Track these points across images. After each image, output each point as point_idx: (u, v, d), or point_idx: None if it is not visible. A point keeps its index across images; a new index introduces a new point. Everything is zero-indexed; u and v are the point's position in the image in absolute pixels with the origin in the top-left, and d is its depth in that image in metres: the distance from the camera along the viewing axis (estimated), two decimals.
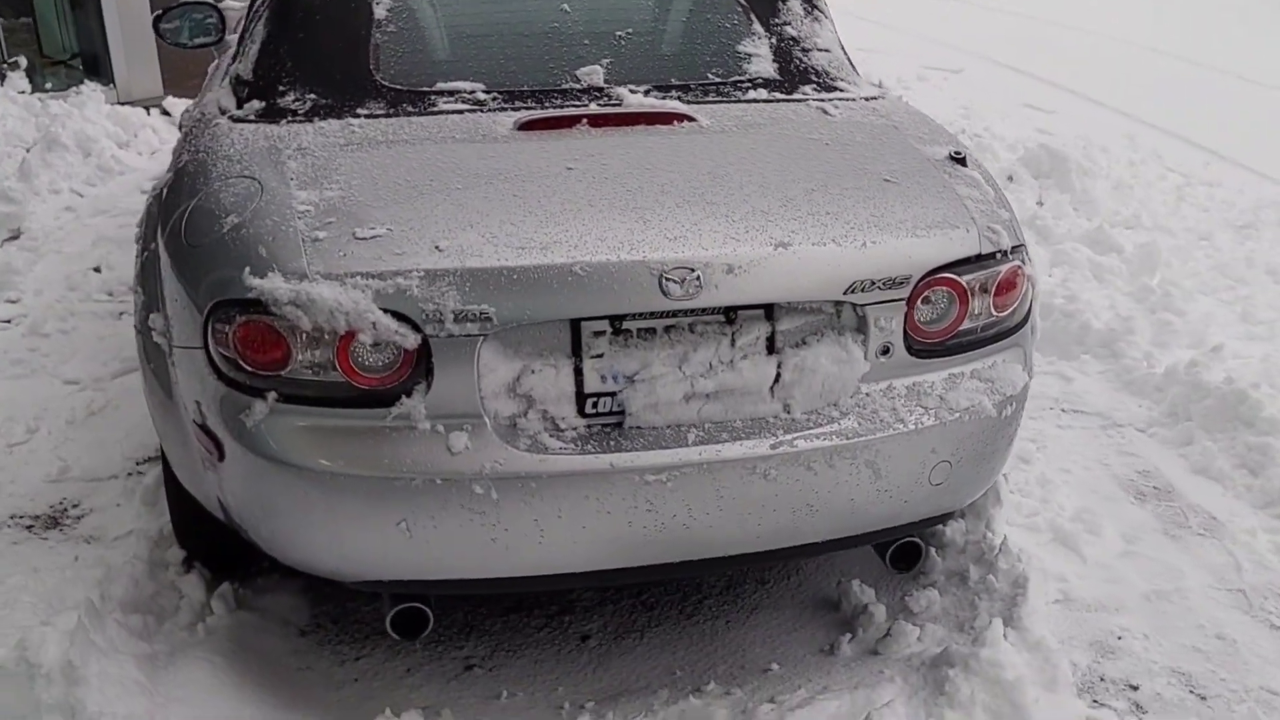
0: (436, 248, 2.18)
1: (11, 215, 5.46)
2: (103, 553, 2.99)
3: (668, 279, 2.18)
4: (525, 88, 2.86)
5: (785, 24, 3.11)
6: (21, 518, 3.21)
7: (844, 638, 2.70)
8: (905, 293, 2.32)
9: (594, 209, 2.30)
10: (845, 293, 2.28)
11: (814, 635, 2.76)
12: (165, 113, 7.42)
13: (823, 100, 2.95)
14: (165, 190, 2.69)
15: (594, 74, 2.88)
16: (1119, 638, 2.77)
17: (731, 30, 3.09)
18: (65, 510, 3.25)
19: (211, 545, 2.75)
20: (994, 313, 2.45)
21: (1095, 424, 3.85)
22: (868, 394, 2.35)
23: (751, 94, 2.93)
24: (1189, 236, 5.66)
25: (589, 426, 2.25)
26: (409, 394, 2.18)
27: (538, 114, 2.68)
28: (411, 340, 2.13)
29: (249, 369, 2.20)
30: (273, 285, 2.13)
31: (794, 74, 3.02)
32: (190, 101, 4.24)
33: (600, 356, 2.24)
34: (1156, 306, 4.61)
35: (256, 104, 2.83)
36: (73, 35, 8.33)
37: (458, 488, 2.15)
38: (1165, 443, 3.71)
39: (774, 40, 3.07)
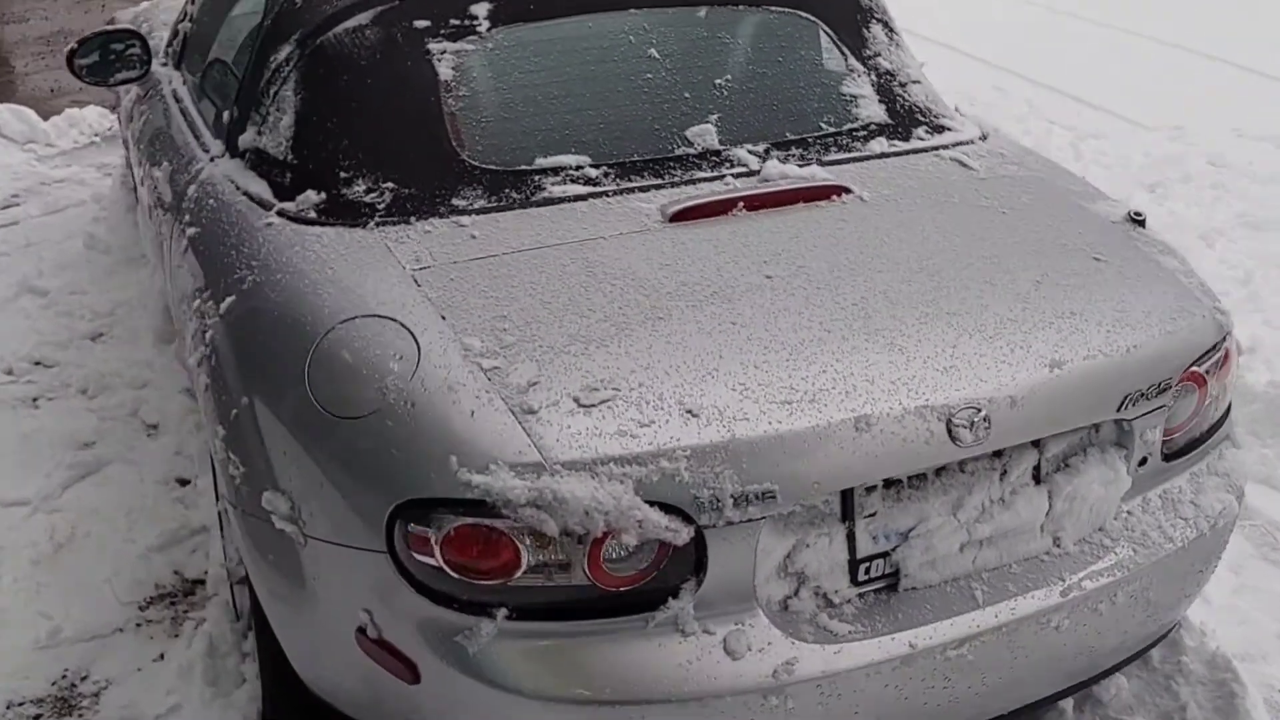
0: (689, 412, 1.79)
1: None
2: None
3: (956, 424, 1.86)
4: (636, 157, 2.44)
5: (876, 55, 2.79)
6: (22, 704, 2.61)
7: None
8: (1168, 398, 2.09)
9: (833, 335, 1.95)
10: (1118, 409, 2.03)
11: None
12: None
13: (946, 147, 2.66)
14: (236, 325, 2.16)
15: (706, 134, 2.50)
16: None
17: (828, 68, 2.75)
18: (74, 686, 2.66)
19: None
20: (1219, 397, 2.25)
21: None
22: (1129, 513, 2.12)
23: (873, 144, 2.61)
24: None
25: (861, 596, 1.93)
26: (675, 594, 1.79)
27: (685, 201, 2.28)
28: (684, 535, 1.74)
29: (465, 580, 1.76)
30: (503, 484, 1.69)
31: (902, 115, 2.71)
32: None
33: (873, 516, 1.91)
34: None
35: (313, 196, 2.31)
36: None
37: (745, 701, 1.79)
38: None
39: (872, 76, 2.75)
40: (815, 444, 1.79)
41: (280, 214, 2.32)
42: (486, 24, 2.49)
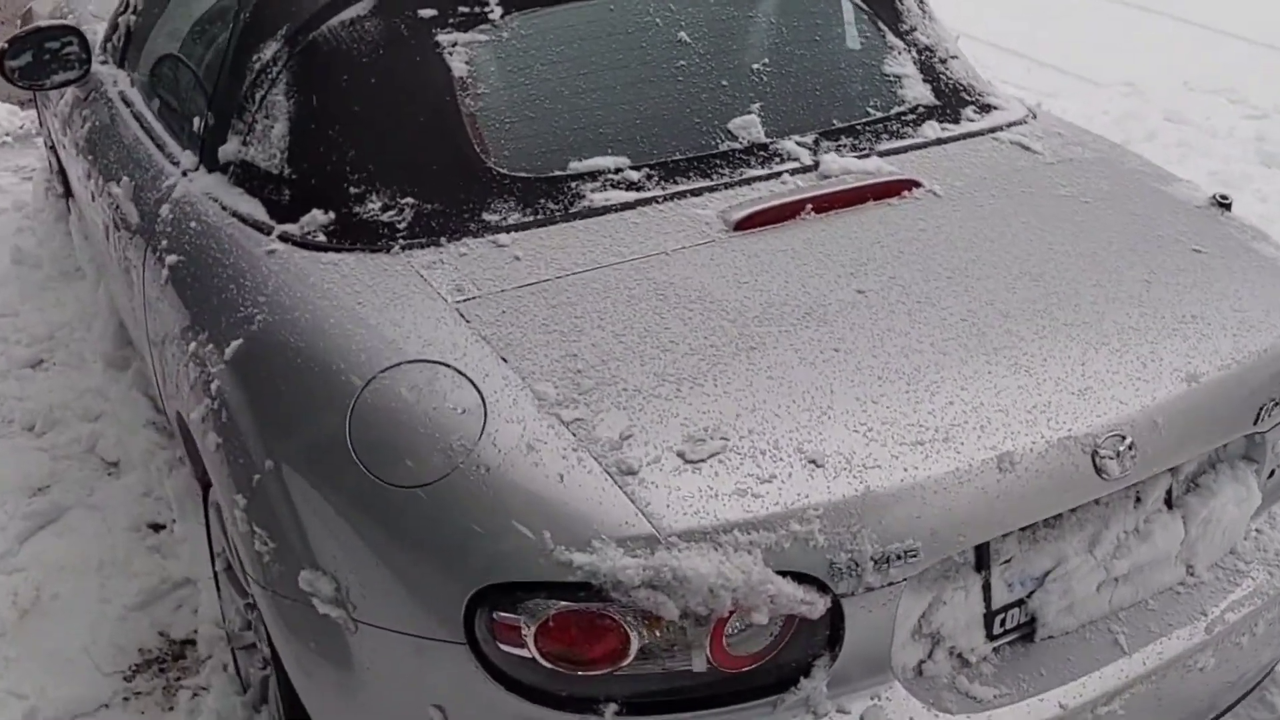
0: (812, 461, 1.54)
1: None
2: None
3: (1103, 455, 1.65)
4: (678, 155, 2.18)
5: (913, 30, 2.56)
6: None
7: None
8: None
9: (950, 359, 1.72)
10: (1255, 421, 1.83)
11: None
12: None
13: (1002, 129, 2.44)
14: (250, 375, 1.86)
15: (751, 126, 2.25)
16: None
17: (867, 46, 2.51)
18: None
19: None
20: None
21: None
22: (1259, 531, 1.94)
23: (925, 129, 2.39)
24: None
25: (997, 650, 1.72)
26: (807, 672, 1.56)
27: (748, 206, 2.03)
28: (820, 606, 1.51)
29: (563, 671, 1.51)
30: (613, 563, 1.44)
31: (948, 94, 2.49)
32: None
33: (1009, 562, 1.70)
34: None
35: (320, 216, 2.02)
36: None
37: None
38: None
39: (912, 53, 2.52)
40: (957, 490, 1.56)
41: (284, 238, 2.02)
42: (499, 10, 2.20)
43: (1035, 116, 2.55)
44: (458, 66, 2.14)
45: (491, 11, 2.20)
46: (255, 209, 2.13)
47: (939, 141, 2.35)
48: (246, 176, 2.19)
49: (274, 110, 2.15)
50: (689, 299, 1.81)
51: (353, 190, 2.03)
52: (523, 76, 2.19)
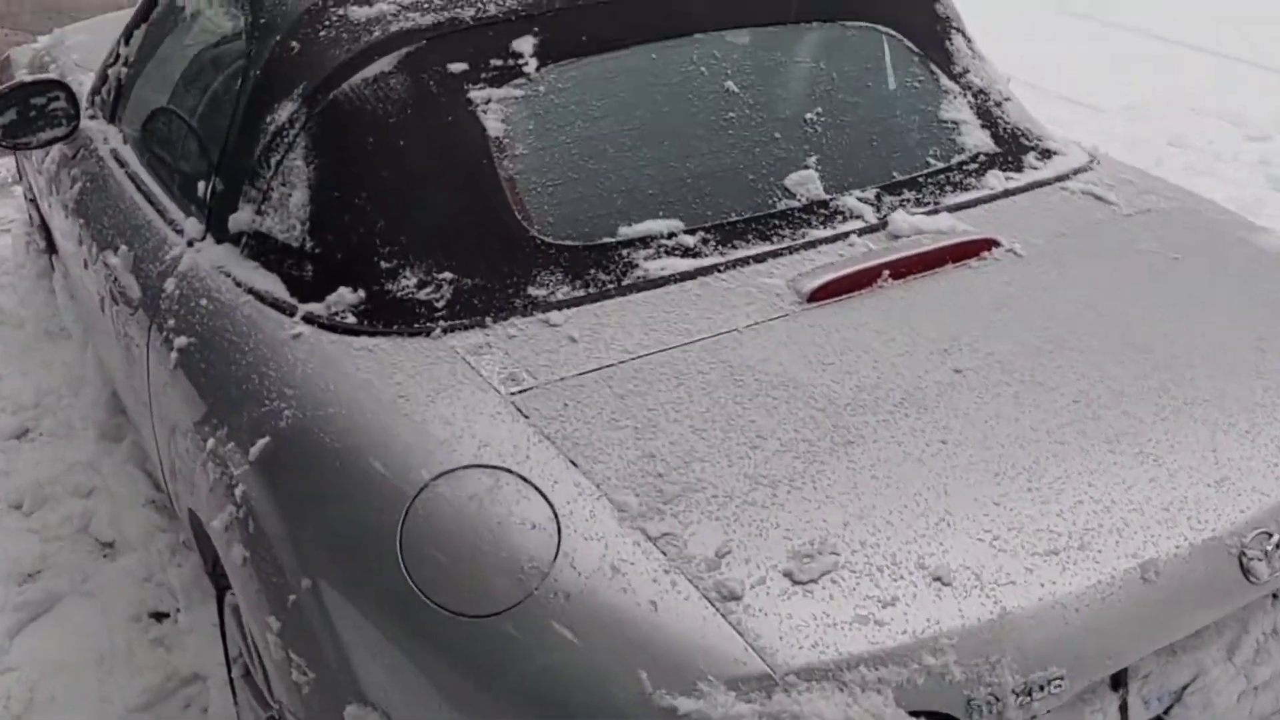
0: (937, 579, 1.36)
1: None
2: None
3: (1250, 556, 1.47)
4: (734, 217, 2.01)
5: (965, 72, 2.40)
6: None
7: None
8: None
9: (1070, 449, 1.54)
10: None
11: None
12: None
13: (1068, 177, 2.28)
14: (280, 479, 1.67)
15: (808, 183, 2.08)
16: None
17: (921, 91, 2.34)
18: None
19: None
20: None
21: None
22: None
23: (989, 180, 2.22)
24: None
25: None
26: None
27: (820, 274, 1.86)
28: None
29: None
30: (724, 710, 1.25)
31: (1008, 140, 2.32)
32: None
33: (1147, 677, 1.52)
34: None
35: (348, 295, 1.83)
36: None
37: None
38: None
39: (968, 96, 2.35)
40: (1100, 606, 1.38)
41: (309, 320, 1.83)
42: (533, 63, 2.03)
43: (1098, 162, 2.39)
44: (493, 125, 1.96)
45: (526, 64, 2.02)
46: (274, 286, 1.94)
47: (1006, 193, 2.19)
48: (262, 249, 2.00)
49: (292, 176, 1.96)
50: (770, 384, 1.63)
51: (384, 265, 1.84)
52: (563, 135, 2.01)
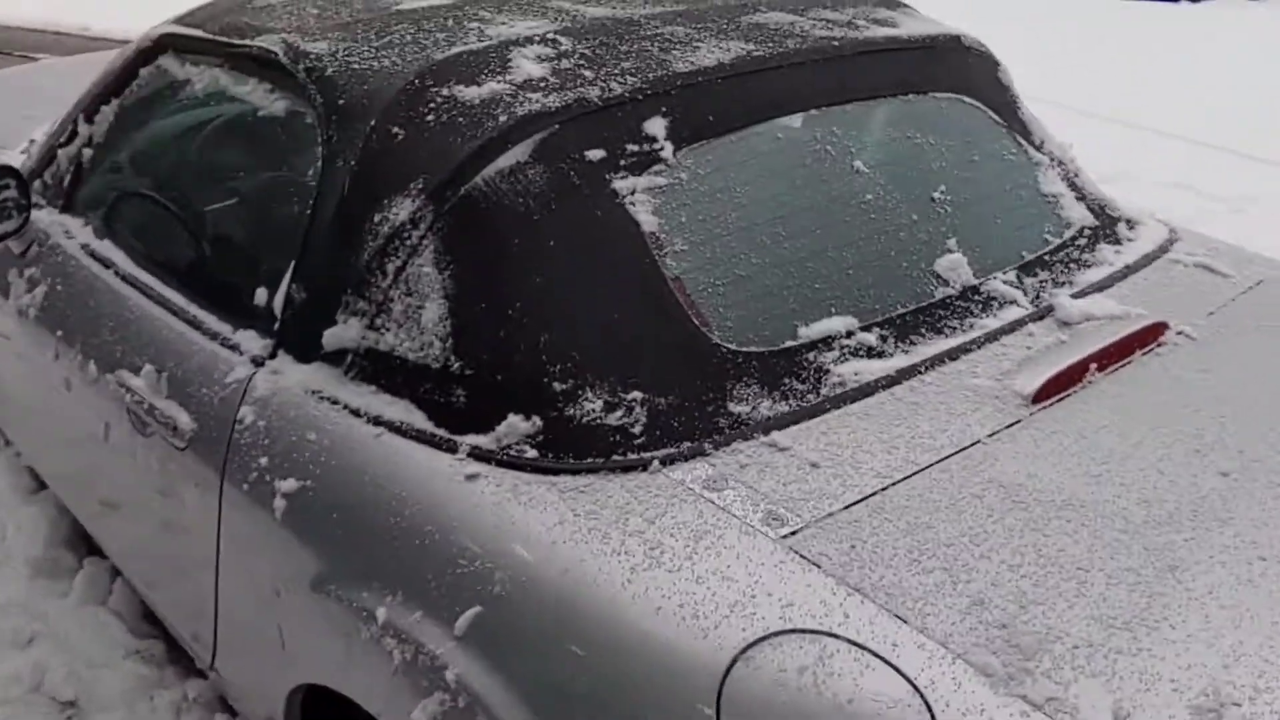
0: None
1: None
2: None
3: None
4: (900, 308, 1.86)
5: (1044, 142, 2.35)
6: None
7: None
8: None
9: None
10: None
11: None
12: None
13: (1167, 249, 2.25)
14: (498, 657, 1.40)
15: (958, 268, 1.96)
16: None
17: (1016, 163, 2.26)
18: None
19: None
20: None
21: None
22: None
23: (1103, 253, 2.17)
24: None
25: None
26: None
27: (1038, 374, 1.72)
28: None
29: None
30: None
31: (1099, 212, 2.28)
32: None
33: None
34: None
35: (521, 424, 1.58)
36: None
37: None
38: None
39: (1056, 168, 2.30)
40: None
41: (478, 456, 1.56)
42: (669, 147, 1.83)
43: (1175, 230, 2.38)
44: (645, 219, 1.74)
45: (662, 149, 1.82)
46: (411, 415, 1.65)
47: (1128, 270, 2.13)
48: (383, 371, 1.71)
49: (421, 285, 1.69)
50: (1054, 505, 1.48)
51: (558, 386, 1.59)
52: (715, 226, 1.81)
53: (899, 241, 1.95)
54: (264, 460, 1.74)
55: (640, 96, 1.84)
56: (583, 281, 1.67)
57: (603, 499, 1.47)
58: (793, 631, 1.29)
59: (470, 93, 1.81)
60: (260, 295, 1.92)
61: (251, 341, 1.90)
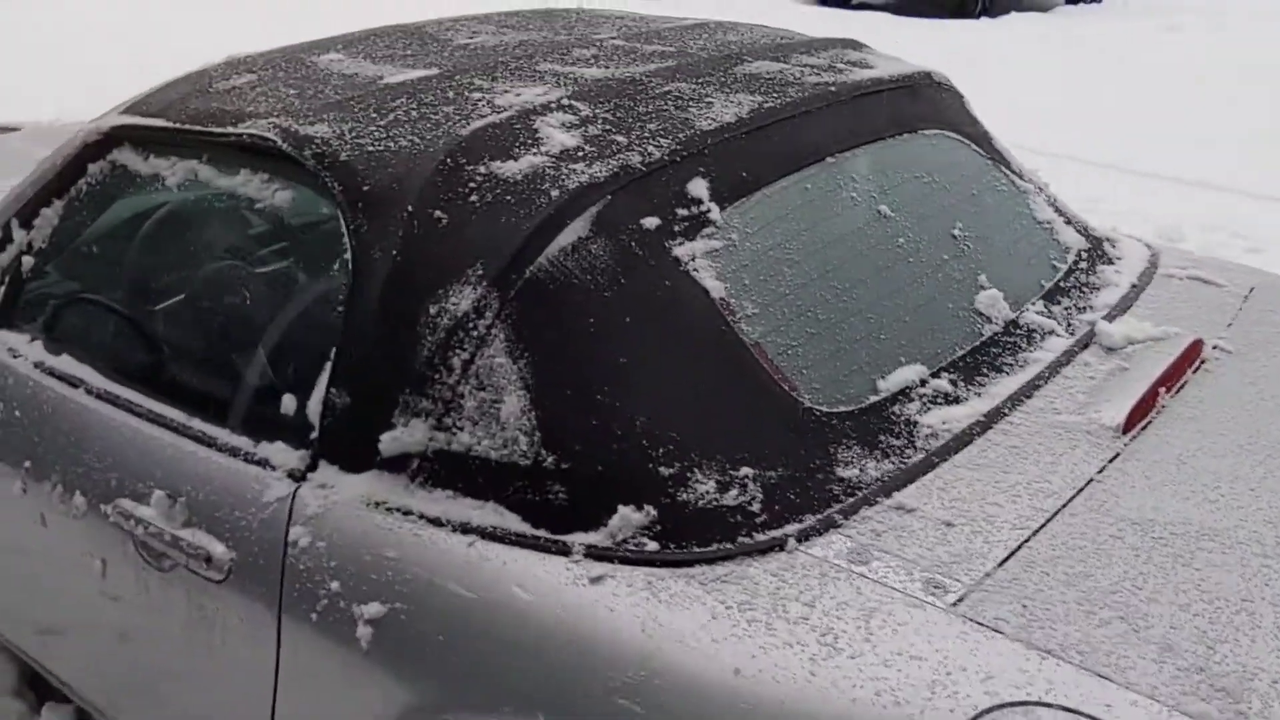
0: None
1: None
2: None
3: None
4: (958, 350, 1.85)
5: (1022, 172, 2.40)
6: None
7: None
8: None
9: None
10: None
11: None
12: None
13: (1157, 264, 2.32)
14: None
15: (996, 303, 1.96)
16: None
17: (1009, 193, 2.30)
18: None
19: None
20: None
21: None
22: None
23: (1106, 275, 2.22)
24: None
25: None
26: None
27: (1119, 405, 1.73)
28: None
29: None
30: None
31: (1084, 234, 2.34)
32: None
33: None
34: None
35: (634, 516, 1.49)
36: None
37: None
38: None
39: (1041, 195, 2.35)
40: None
41: (599, 556, 1.46)
42: (714, 208, 1.77)
43: (1149, 244, 2.45)
44: (712, 285, 1.68)
45: (709, 211, 1.76)
46: (503, 519, 1.54)
47: (1135, 289, 2.18)
48: (456, 474, 1.58)
49: (495, 377, 1.57)
50: (1192, 536, 1.48)
51: (665, 471, 1.51)
52: (775, 285, 1.76)
53: (939, 282, 1.94)
54: (334, 585, 1.59)
55: (679, 158, 1.78)
56: (668, 357, 1.60)
57: (750, 587, 1.40)
58: (1004, 706, 1.24)
59: (509, 168, 1.71)
60: (288, 403, 1.76)
61: (283, 455, 1.73)
